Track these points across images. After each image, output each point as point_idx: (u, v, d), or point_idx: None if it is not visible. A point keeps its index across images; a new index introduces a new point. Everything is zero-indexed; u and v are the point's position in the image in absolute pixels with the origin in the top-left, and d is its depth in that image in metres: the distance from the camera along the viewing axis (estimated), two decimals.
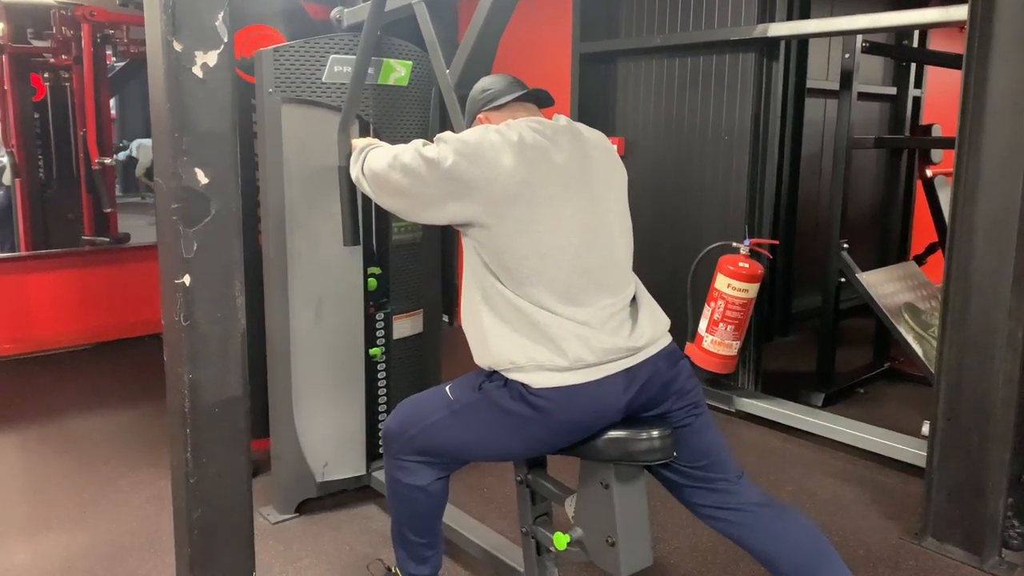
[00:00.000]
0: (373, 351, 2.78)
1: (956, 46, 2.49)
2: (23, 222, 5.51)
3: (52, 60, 5.29)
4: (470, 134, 1.74)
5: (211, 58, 1.15)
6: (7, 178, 5.97)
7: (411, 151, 1.77)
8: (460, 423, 1.81)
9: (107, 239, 5.32)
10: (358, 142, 2.13)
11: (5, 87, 5.39)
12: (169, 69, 1.13)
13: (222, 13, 1.14)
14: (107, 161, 5.00)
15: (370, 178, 1.91)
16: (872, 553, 2.59)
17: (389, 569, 2.26)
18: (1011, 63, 2.32)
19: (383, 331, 2.80)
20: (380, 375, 2.85)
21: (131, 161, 10.49)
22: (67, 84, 5.40)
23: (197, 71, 1.15)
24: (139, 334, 4.89)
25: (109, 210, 5.29)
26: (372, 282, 2.75)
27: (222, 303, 1.23)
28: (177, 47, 1.12)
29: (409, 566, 2.01)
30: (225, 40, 1.16)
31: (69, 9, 5.04)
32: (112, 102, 6.66)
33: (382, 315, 2.79)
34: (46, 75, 5.39)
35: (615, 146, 2.05)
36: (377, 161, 1.87)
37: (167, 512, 2.80)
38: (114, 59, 6.08)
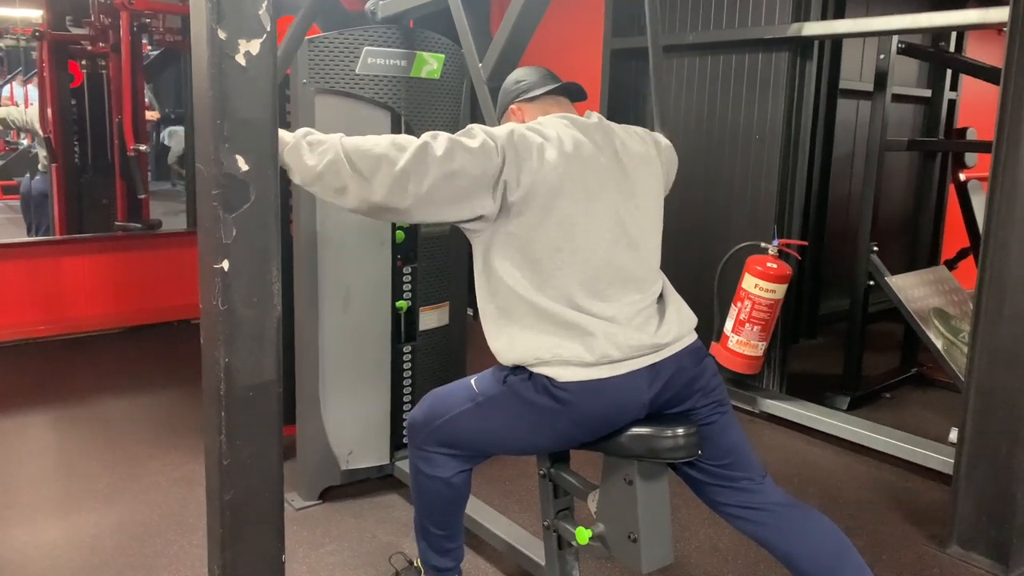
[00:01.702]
0: (399, 304, 2.79)
1: (994, 48, 2.45)
2: (58, 207, 5.61)
3: (90, 47, 5.39)
4: (503, 129, 1.74)
5: (254, 46, 1.16)
6: (43, 164, 6.10)
7: (442, 143, 1.64)
8: (484, 415, 1.82)
9: (139, 225, 5.40)
10: (287, 133, 1.72)
11: (44, 74, 5.49)
12: (212, 57, 1.14)
13: (266, 2, 1.16)
14: (142, 148, 5.07)
15: (369, 171, 1.62)
16: (895, 559, 2.57)
17: (411, 562, 2.29)
18: None
19: (410, 286, 2.81)
20: (406, 366, 2.87)
21: (163, 149, 10.62)
22: (104, 71, 5.49)
23: (240, 59, 1.16)
24: (169, 319, 4.97)
25: (142, 196, 5.37)
26: (400, 235, 2.76)
27: (259, 288, 1.24)
28: (221, 35, 1.14)
29: (431, 557, 2.03)
30: (268, 29, 1.18)
31: None
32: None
33: (409, 269, 2.80)
34: (83, 62, 5.48)
35: (660, 141, 2.02)
36: (382, 150, 1.63)
37: (194, 494, 2.86)
38: (150, 48, 6.17)
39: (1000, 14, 2.59)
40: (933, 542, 2.66)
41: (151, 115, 8.28)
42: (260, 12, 1.15)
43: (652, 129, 2.15)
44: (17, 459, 3.17)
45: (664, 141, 2.09)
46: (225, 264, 1.18)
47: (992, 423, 2.48)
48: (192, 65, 1.20)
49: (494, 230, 1.71)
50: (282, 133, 1.65)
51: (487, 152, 1.65)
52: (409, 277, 2.81)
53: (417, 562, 2.14)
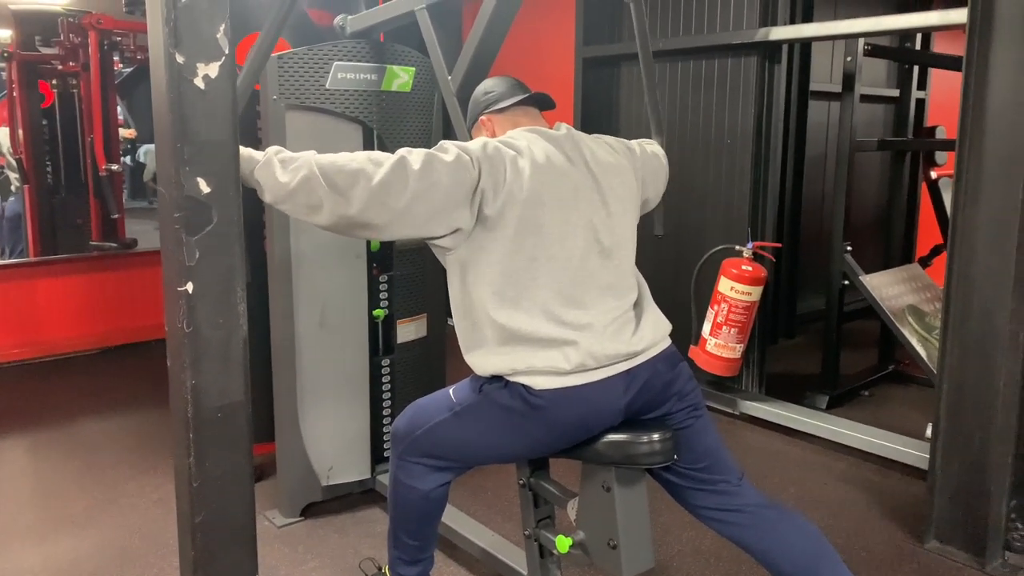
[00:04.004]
0: (376, 312, 2.79)
1: (960, 48, 2.50)
2: (32, 228, 5.55)
3: (60, 67, 5.35)
4: (476, 143, 1.75)
5: (212, 69, 1.17)
6: (15, 186, 6.03)
7: (419, 157, 1.65)
8: (462, 423, 1.82)
9: (114, 244, 5.35)
10: (245, 149, 1.64)
11: (14, 94, 5.44)
12: (171, 80, 1.14)
13: (223, 25, 1.16)
14: (114, 168, 5.04)
15: (345, 186, 1.60)
16: (875, 555, 2.59)
17: (380, 568, 2.29)
18: (1011, 65, 2.33)
19: (386, 294, 2.81)
20: (384, 379, 2.86)
21: (138, 166, 10.54)
22: (75, 90, 5.45)
23: (199, 82, 1.16)
24: (146, 339, 4.93)
25: (116, 216, 5.33)
26: (375, 244, 2.75)
27: (224, 309, 1.24)
28: (179, 59, 1.14)
29: (400, 566, 2.03)
30: (226, 52, 1.18)
31: (76, 16, 5.10)
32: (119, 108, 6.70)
33: (385, 277, 2.80)
34: (54, 82, 5.44)
35: (635, 149, 2.02)
36: (358, 165, 1.62)
37: (173, 515, 2.82)
38: (121, 65, 6.12)
39: (960, 15, 2.64)
40: (911, 537, 2.69)
41: (128, 133, 8.20)
42: (218, 35, 1.15)
43: (650, 137, 2.16)
44: None
45: (648, 149, 2.10)
46: (189, 286, 1.18)
47: (964, 418, 2.51)
48: (152, 89, 1.20)
49: (468, 246, 1.72)
50: (252, 152, 1.65)
51: (463, 165, 1.66)
52: (385, 285, 2.81)
53: (386, 569, 2.14)
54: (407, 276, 2.86)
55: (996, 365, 2.43)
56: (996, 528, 2.49)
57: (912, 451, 3.10)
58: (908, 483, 3.09)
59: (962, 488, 2.53)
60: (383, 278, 2.80)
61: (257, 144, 2.84)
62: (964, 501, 2.53)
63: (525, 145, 1.75)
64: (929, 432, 2.77)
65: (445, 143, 1.73)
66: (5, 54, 5.40)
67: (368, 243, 2.74)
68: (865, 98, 4.04)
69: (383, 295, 2.80)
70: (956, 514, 2.55)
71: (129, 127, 8.52)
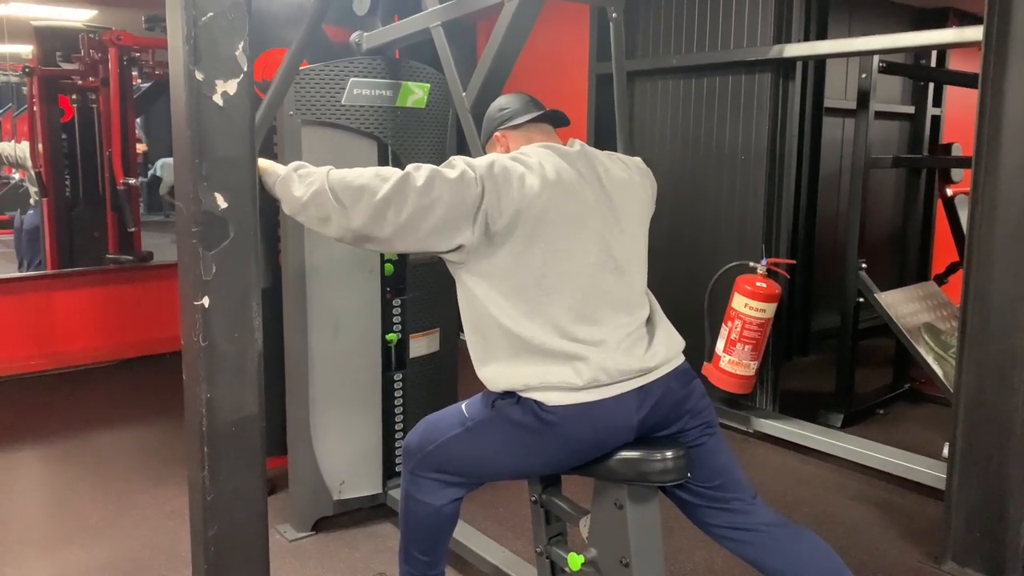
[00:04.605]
0: (389, 336, 2.80)
1: (976, 65, 2.50)
2: (50, 240, 5.62)
3: (80, 82, 5.43)
4: (484, 160, 1.76)
5: (231, 86, 1.19)
6: (34, 198, 6.11)
7: (423, 174, 1.68)
8: (474, 439, 1.82)
9: (131, 257, 5.41)
10: (269, 163, 1.84)
11: (34, 108, 5.52)
12: (190, 97, 1.16)
13: (242, 43, 1.18)
14: (132, 181, 5.10)
15: (350, 200, 1.67)
16: None
17: None
18: None
19: (399, 317, 2.83)
20: (397, 394, 2.87)
21: (155, 180, 10.66)
22: (94, 105, 5.52)
23: (217, 99, 1.18)
24: (161, 351, 4.96)
25: (133, 229, 5.38)
26: (388, 267, 2.77)
27: (239, 323, 1.25)
28: (199, 76, 1.16)
29: None
30: (245, 69, 1.20)
31: (97, 33, 5.18)
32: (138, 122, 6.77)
33: (399, 301, 2.82)
34: (74, 96, 5.52)
35: (642, 165, 2.03)
36: (365, 181, 1.68)
37: (186, 527, 2.82)
38: (140, 80, 6.21)
39: (975, 33, 2.63)
40: (928, 559, 2.65)
41: (139, 148, 8.30)
42: (236, 53, 1.17)
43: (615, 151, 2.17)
44: (7, 495, 3.14)
45: (644, 165, 2.12)
46: (205, 301, 1.20)
47: (981, 438, 2.49)
48: (171, 105, 1.22)
49: (478, 261, 1.72)
50: (275, 166, 1.79)
51: (466, 182, 1.67)
52: (399, 309, 2.82)
53: None
54: (420, 299, 2.87)
55: (1014, 384, 2.40)
56: (1014, 550, 2.45)
57: (928, 471, 3.06)
58: (924, 503, 3.06)
59: (980, 509, 2.50)
60: (396, 302, 2.81)
61: (272, 159, 2.87)
62: (982, 522, 2.50)
63: (536, 161, 1.75)
64: (946, 452, 2.75)
65: (454, 159, 1.74)
66: (27, 69, 5.49)
67: (383, 267, 2.76)
68: (880, 115, 4.03)
69: (396, 319, 2.82)
70: (974, 535, 2.52)
71: (141, 142, 8.61)
